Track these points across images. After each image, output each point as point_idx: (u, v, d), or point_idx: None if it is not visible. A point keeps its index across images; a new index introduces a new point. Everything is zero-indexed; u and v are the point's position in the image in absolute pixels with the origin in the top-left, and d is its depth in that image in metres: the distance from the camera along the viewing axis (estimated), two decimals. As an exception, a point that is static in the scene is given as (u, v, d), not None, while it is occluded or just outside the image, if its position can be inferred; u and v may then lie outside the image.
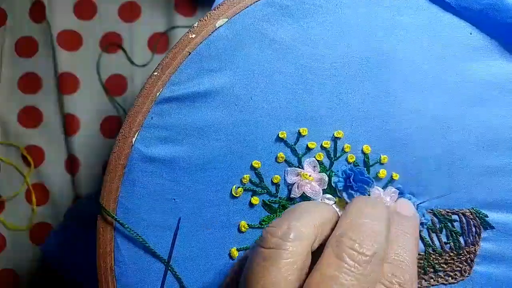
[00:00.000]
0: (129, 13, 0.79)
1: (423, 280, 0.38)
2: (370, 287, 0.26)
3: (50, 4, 0.76)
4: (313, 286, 0.26)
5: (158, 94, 0.36)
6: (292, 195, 0.37)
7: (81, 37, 0.78)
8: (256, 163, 0.37)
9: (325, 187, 0.37)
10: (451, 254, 0.38)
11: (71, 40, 0.77)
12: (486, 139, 0.38)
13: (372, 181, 0.37)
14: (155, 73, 0.36)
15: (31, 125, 0.76)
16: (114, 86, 0.78)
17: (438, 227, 0.38)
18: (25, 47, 0.77)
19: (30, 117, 0.76)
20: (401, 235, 0.31)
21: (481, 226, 0.38)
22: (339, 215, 0.32)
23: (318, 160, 0.37)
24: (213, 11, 0.36)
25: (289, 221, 0.28)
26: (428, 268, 0.38)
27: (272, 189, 0.37)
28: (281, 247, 0.27)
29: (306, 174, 0.37)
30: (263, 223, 0.37)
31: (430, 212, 0.38)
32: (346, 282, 0.26)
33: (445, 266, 0.38)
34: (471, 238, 0.38)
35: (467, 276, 0.38)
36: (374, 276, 0.27)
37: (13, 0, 0.77)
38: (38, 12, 0.77)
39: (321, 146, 0.37)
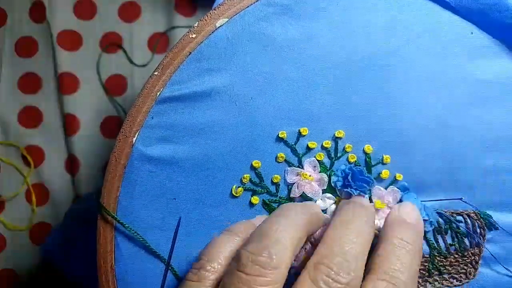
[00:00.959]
0: (129, 13, 0.79)
1: (428, 283, 0.38)
2: None
3: (50, 4, 0.76)
4: None
5: (158, 93, 0.36)
6: (292, 195, 0.37)
7: (81, 37, 0.78)
8: (256, 163, 0.37)
9: (325, 187, 0.37)
10: (456, 256, 0.38)
11: (71, 40, 0.77)
12: (488, 139, 0.37)
13: (372, 181, 0.37)
14: (156, 73, 0.36)
15: (31, 125, 0.76)
16: (114, 86, 0.78)
17: (443, 228, 0.37)
18: (25, 47, 0.77)
19: (30, 117, 0.76)
20: (400, 247, 0.32)
21: (485, 227, 0.38)
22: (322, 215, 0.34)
23: (318, 160, 0.37)
24: (214, 11, 0.36)
25: (269, 246, 0.28)
26: (433, 271, 0.38)
27: (272, 188, 0.37)
28: (261, 275, 0.27)
29: (306, 174, 0.37)
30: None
31: (436, 213, 0.38)
32: None
33: (450, 268, 0.38)
34: (476, 239, 0.37)
35: (472, 278, 0.38)
36: None
37: (13, 0, 0.77)
38: (38, 12, 0.77)
39: (322, 146, 0.37)
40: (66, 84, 0.76)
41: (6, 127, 0.76)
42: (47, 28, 0.76)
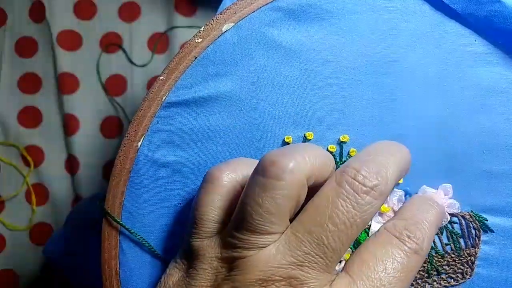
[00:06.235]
0: (129, 13, 0.79)
1: (427, 284, 0.38)
2: (364, 218, 0.27)
3: (50, 4, 0.76)
4: (311, 209, 0.27)
5: (164, 98, 0.36)
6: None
7: (81, 37, 0.78)
8: (263, 168, 0.37)
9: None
10: (453, 255, 0.38)
11: (71, 40, 0.77)
12: (487, 144, 0.38)
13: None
14: (161, 77, 0.36)
15: (31, 125, 0.76)
16: (114, 86, 0.78)
17: (439, 228, 0.38)
18: (25, 47, 0.77)
19: (30, 117, 0.76)
20: (425, 204, 0.32)
21: (480, 229, 0.38)
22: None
23: (324, 165, 0.37)
24: (219, 15, 0.36)
25: (289, 153, 0.28)
26: (431, 271, 0.38)
27: (279, 194, 0.37)
28: (279, 178, 0.27)
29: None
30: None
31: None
32: (341, 208, 0.27)
33: (447, 268, 0.38)
34: (471, 240, 0.38)
35: (469, 278, 0.38)
36: (370, 208, 0.27)
37: (13, 0, 0.76)
38: (38, 12, 0.76)
39: (327, 150, 0.37)
40: (66, 84, 0.76)
41: (6, 127, 0.76)
42: (47, 28, 0.76)
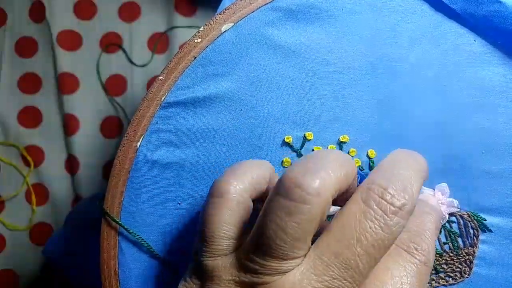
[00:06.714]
0: (129, 13, 0.79)
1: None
2: (391, 239, 0.26)
3: (50, 4, 0.76)
4: (337, 230, 0.26)
5: (163, 98, 0.36)
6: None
7: (81, 37, 0.78)
8: (262, 168, 0.37)
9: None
10: (451, 254, 0.38)
11: (71, 40, 0.77)
12: (486, 144, 0.38)
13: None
14: (161, 77, 0.36)
15: (31, 125, 0.76)
16: (114, 86, 0.78)
17: None
18: (25, 47, 0.77)
19: (30, 117, 0.76)
20: (424, 213, 0.31)
21: (479, 229, 0.38)
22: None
23: (323, 165, 0.37)
24: (219, 15, 0.36)
25: (313, 170, 0.26)
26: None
27: (278, 194, 0.37)
28: (305, 202, 0.25)
29: (312, 179, 0.37)
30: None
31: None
32: (370, 229, 0.25)
33: (446, 267, 0.38)
34: (469, 240, 0.38)
35: (467, 277, 0.38)
36: (398, 229, 0.26)
37: (13, 0, 0.76)
38: (38, 12, 0.76)
39: (327, 151, 0.37)
40: (66, 84, 0.76)
41: (6, 127, 0.76)
42: (47, 28, 0.76)
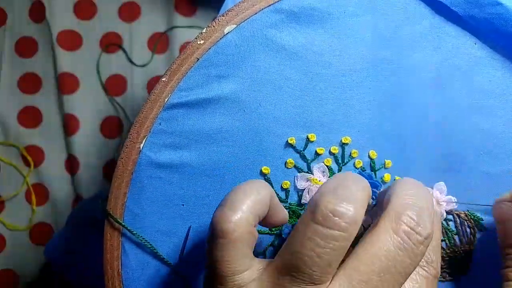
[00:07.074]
0: (129, 13, 0.79)
1: None
2: (416, 265, 0.27)
3: (50, 4, 0.76)
4: (366, 257, 0.27)
5: (166, 100, 0.36)
6: (303, 201, 0.37)
7: (81, 37, 0.78)
8: (266, 169, 0.37)
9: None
10: (448, 251, 0.39)
11: (71, 40, 0.77)
12: (485, 146, 0.38)
13: (381, 184, 0.37)
14: (163, 79, 0.36)
15: (31, 125, 0.76)
16: (114, 86, 0.78)
17: None
18: (25, 47, 0.77)
19: (30, 117, 0.76)
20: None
21: (475, 228, 0.38)
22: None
23: (327, 165, 0.37)
24: (221, 17, 0.36)
25: (347, 199, 0.27)
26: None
27: (282, 194, 0.37)
28: (343, 230, 0.26)
29: (316, 179, 0.37)
30: (273, 229, 0.37)
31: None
32: (398, 258, 0.26)
33: (443, 263, 0.39)
34: (466, 238, 0.39)
35: (464, 274, 0.39)
36: (421, 257, 0.27)
37: (13, 0, 0.76)
38: (38, 12, 0.76)
39: (330, 152, 0.37)
40: (66, 84, 0.76)
41: (6, 127, 0.76)
42: (47, 28, 0.76)
